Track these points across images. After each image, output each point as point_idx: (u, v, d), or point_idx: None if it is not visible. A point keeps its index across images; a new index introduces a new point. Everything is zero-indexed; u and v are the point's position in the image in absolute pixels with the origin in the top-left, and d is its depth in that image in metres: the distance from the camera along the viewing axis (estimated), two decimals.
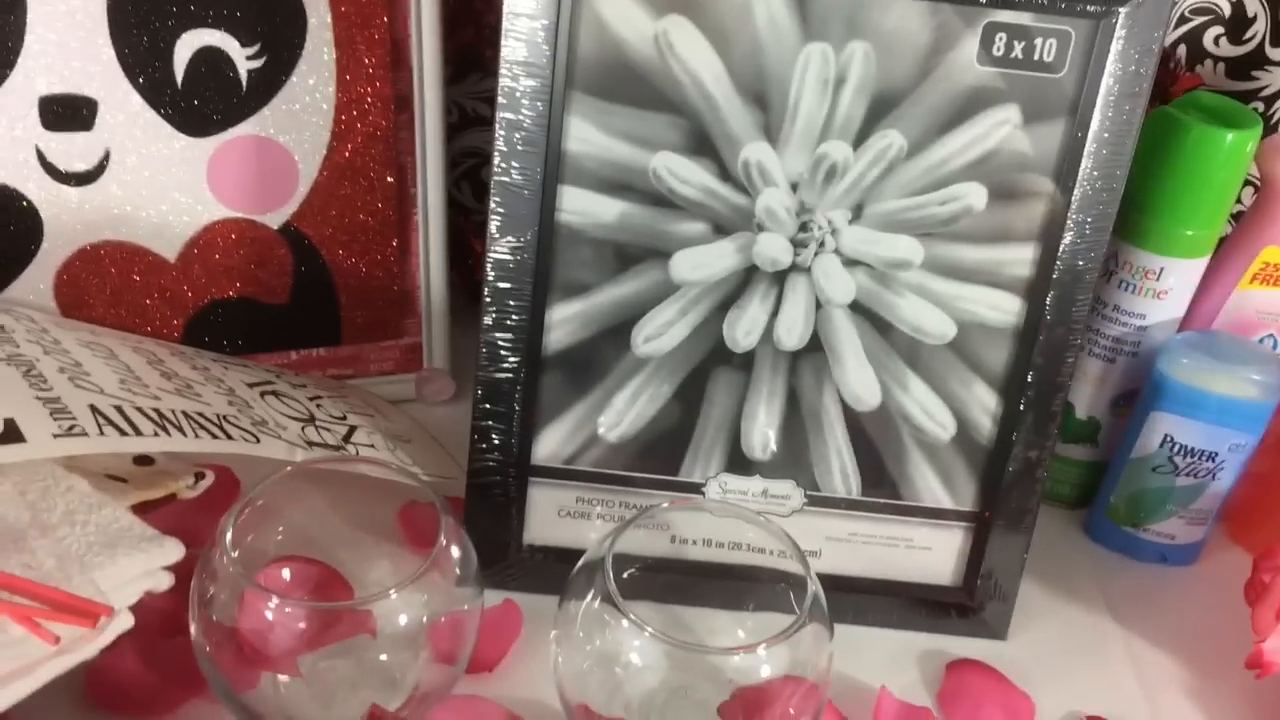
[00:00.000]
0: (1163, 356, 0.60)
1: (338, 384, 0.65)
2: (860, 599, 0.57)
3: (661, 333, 0.54)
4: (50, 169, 0.57)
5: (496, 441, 0.54)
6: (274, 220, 0.62)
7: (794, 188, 0.52)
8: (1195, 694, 0.57)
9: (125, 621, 0.42)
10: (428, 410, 0.68)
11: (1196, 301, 0.62)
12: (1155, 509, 0.63)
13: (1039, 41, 0.49)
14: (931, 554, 0.58)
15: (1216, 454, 0.60)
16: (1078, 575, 0.63)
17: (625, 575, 0.48)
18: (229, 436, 0.48)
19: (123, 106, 0.57)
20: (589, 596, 0.46)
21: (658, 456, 0.56)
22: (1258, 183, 0.64)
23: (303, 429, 0.53)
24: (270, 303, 0.64)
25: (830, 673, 0.47)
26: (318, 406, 0.57)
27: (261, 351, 0.64)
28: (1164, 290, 0.60)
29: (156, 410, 0.47)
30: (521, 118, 0.49)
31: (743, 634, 0.52)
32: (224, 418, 0.49)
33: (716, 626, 0.53)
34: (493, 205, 0.51)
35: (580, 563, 0.47)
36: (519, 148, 0.50)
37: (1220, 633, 0.61)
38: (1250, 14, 0.71)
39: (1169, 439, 0.60)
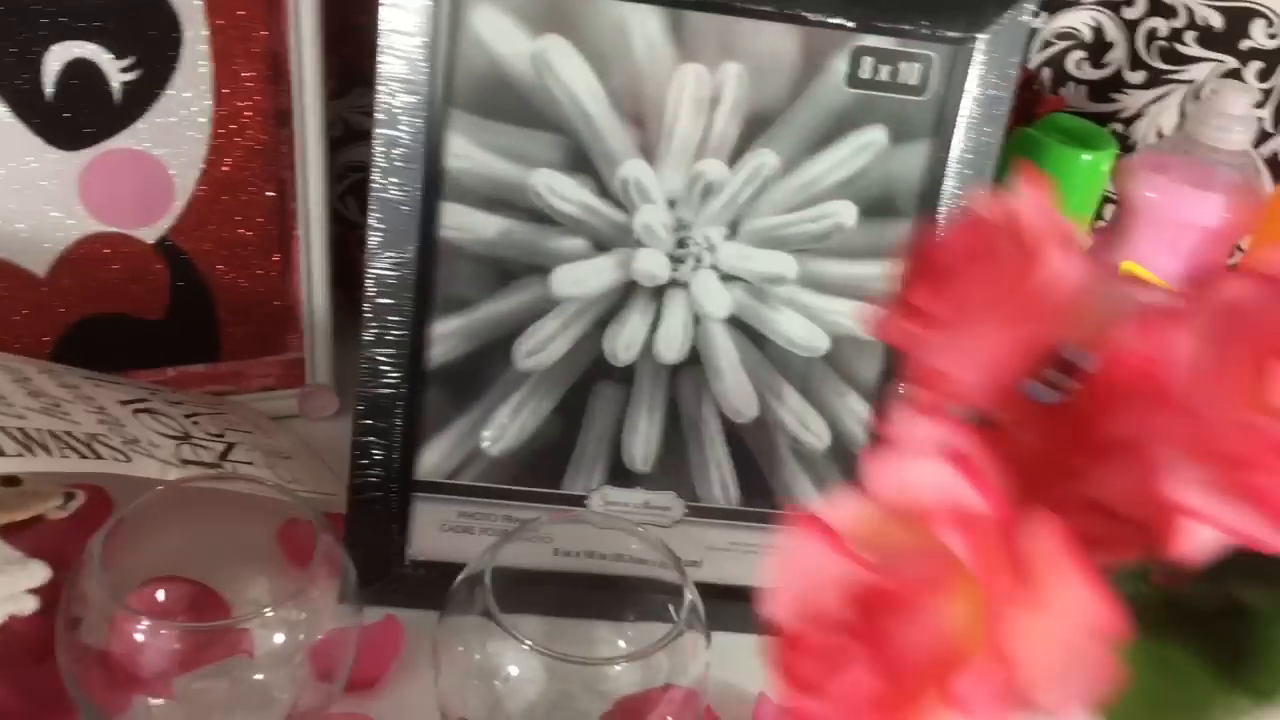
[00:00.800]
0: None
1: (217, 400, 0.64)
2: (742, 607, 0.58)
3: (543, 347, 0.54)
4: None
5: (378, 457, 0.54)
6: (149, 235, 0.61)
7: (671, 205, 0.53)
8: None
9: None
10: (311, 426, 0.67)
11: None
12: None
13: (904, 65, 0.51)
14: None
15: None
16: None
17: (506, 589, 0.49)
18: (98, 456, 0.47)
19: None
20: (469, 611, 0.46)
21: (540, 470, 0.56)
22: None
23: (177, 447, 0.52)
24: (146, 318, 0.62)
25: (708, 680, 0.48)
26: (194, 424, 0.56)
27: (138, 368, 0.63)
28: None
29: (21, 430, 0.46)
30: (400, 134, 0.50)
31: (624, 644, 0.53)
32: (94, 436, 0.48)
33: (598, 637, 0.54)
34: (372, 221, 0.51)
35: (460, 577, 0.47)
36: (398, 164, 0.50)
37: None
38: (1109, 40, 0.74)
39: None
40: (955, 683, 0.25)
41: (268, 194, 0.62)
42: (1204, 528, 0.24)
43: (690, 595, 0.47)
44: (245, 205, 0.62)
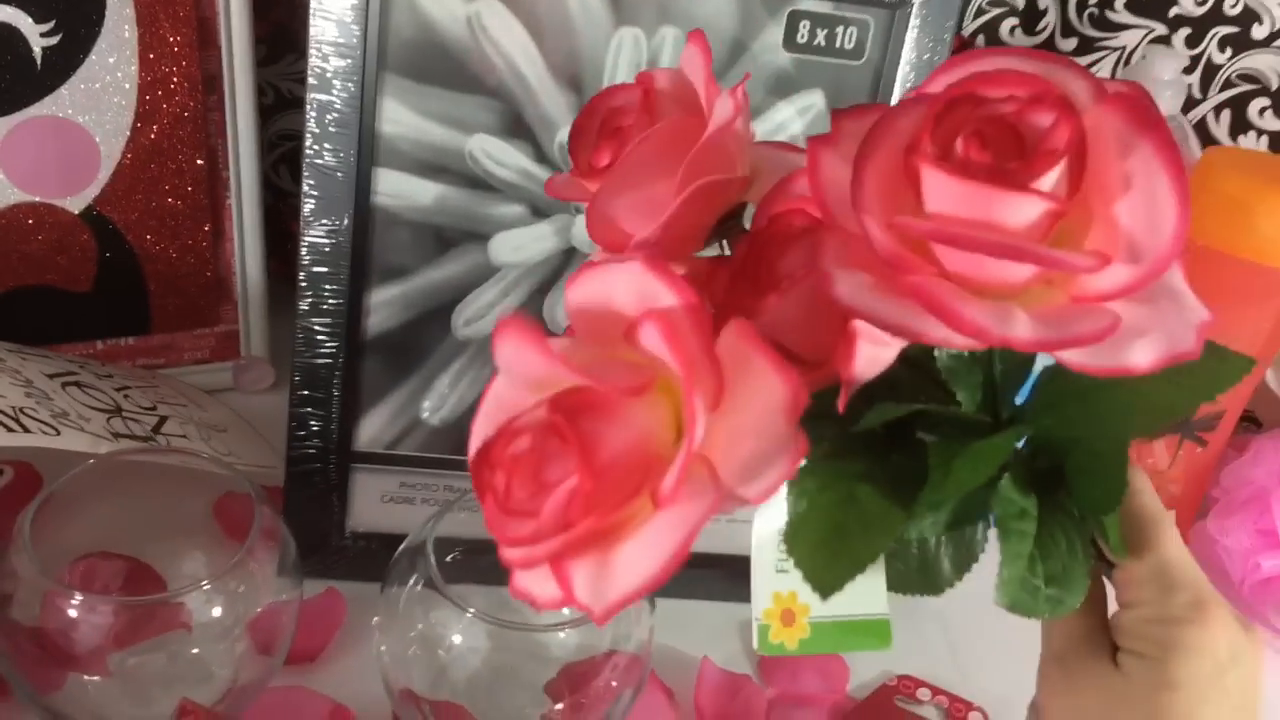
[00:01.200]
0: None
1: (148, 374, 0.63)
2: (684, 573, 0.58)
3: (483, 315, 0.54)
4: None
5: (316, 428, 0.54)
6: (75, 204, 0.59)
7: None
8: (1000, 649, 0.61)
9: None
10: (247, 399, 0.66)
11: None
12: None
13: (840, 30, 0.51)
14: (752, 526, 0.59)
15: None
16: None
17: (449, 558, 0.48)
18: (25, 429, 0.46)
19: None
20: (411, 581, 0.46)
21: None
22: None
23: (108, 420, 0.51)
24: (73, 290, 0.61)
25: (652, 645, 0.48)
26: (125, 397, 0.55)
27: (65, 341, 0.62)
28: None
29: None
30: (333, 99, 0.49)
31: (568, 612, 0.53)
32: (20, 410, 0.47)
33: None
34: (306, 188, 0.50)
35: (402, 547, 0.47)
36: (331, 129, 0.49)
37: None
38: (1042, 7, 0.75)
39: None
40: (660, 482, 0.25)
41: (197, 162, 0.61)
42: (869, 347, 0.26)
43: None
44: (174, 174, 0.60)
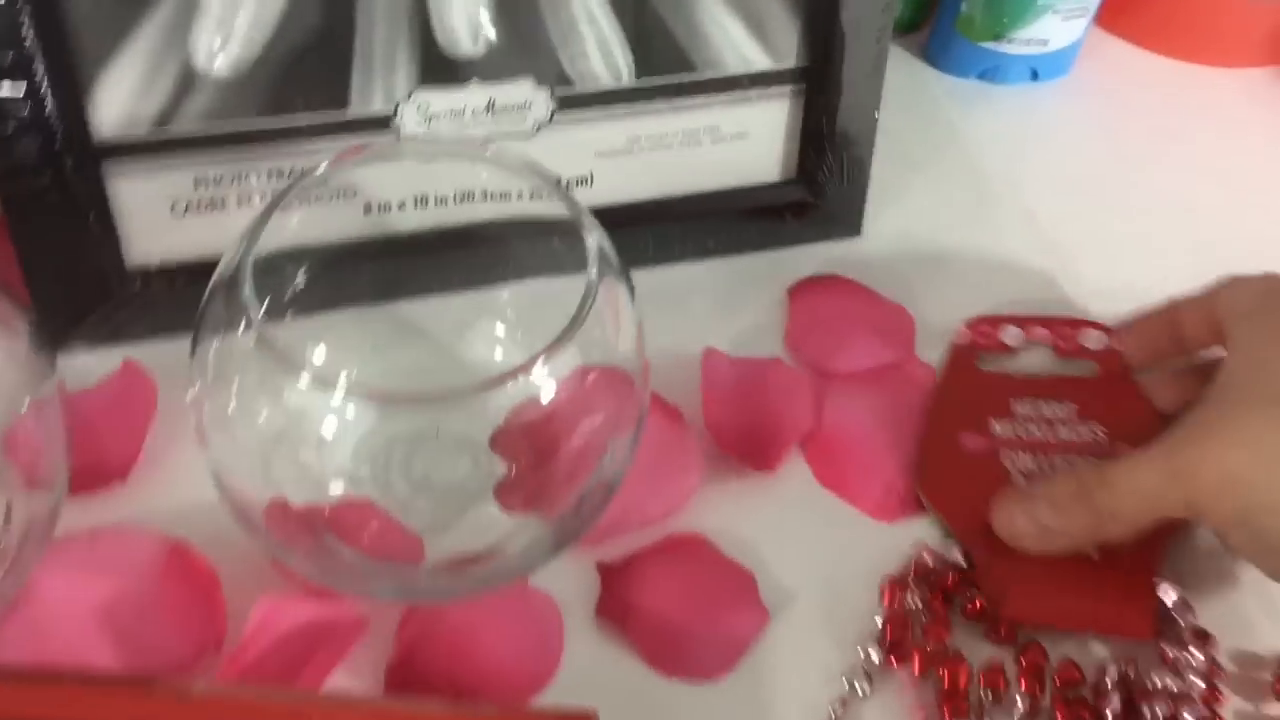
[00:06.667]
0: None
1: None
2: (658, 230, 0.40)
3: None
4: None
5: (26, 115, 0.32)
6: None
7: None
8: (1094, 233, 0.45)
9: None
10: None
11: None
12: (1023, 9, 0.48)
13: None
14: (748, 142, 0.40)
15: None
16: (932, 119, 0.49)
17: (301, 280, 0.32)
18: None
19: None
20: (239, 329, 0.27)
21: (307, 84, 0.35)
22: None
23: None
24: None
25: (644, 353, 0.30)
26: None
27: None
28: None
29: None
30: None
31: (501, 325, 0.35)
32: None
33: (466, 320, 0.35)
34: None
35: (214, 280, 0.28)
36: None
37: (1105, 151, 0.49)
38: None
39: None
40: None
41: None
42: None
43: (595, 238, 0.28)
44: None
